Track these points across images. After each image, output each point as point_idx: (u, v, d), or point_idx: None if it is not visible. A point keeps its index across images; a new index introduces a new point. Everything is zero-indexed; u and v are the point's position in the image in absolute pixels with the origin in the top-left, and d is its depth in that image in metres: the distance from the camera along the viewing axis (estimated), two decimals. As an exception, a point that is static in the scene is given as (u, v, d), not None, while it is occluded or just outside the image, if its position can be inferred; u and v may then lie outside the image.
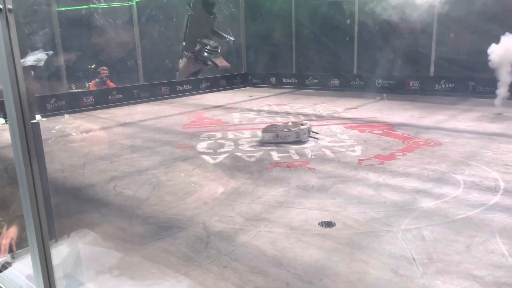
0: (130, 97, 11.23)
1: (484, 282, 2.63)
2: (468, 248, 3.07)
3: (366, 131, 7.00)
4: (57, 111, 9.73)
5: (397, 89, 11.13)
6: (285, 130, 6.41)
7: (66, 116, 9.62)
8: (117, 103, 10.87)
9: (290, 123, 6.82)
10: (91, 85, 10.60)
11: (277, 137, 6.36)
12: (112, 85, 10.81)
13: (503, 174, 4.58)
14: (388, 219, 3.60)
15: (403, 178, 4.61)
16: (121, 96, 11.05)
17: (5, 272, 2.12)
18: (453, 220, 3.52)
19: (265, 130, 6.61)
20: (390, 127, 7.27)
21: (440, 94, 10.39)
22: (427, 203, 3.90)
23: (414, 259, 2.93)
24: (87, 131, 8.26)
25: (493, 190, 4.16)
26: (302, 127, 6.51)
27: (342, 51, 12.05)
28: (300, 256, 3.06)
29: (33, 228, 1.57)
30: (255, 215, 3.82)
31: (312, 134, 6.61)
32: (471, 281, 2.66)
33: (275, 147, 6.15)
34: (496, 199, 3.93)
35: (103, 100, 10.68)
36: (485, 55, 7.81)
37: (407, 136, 6.56)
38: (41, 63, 3.24)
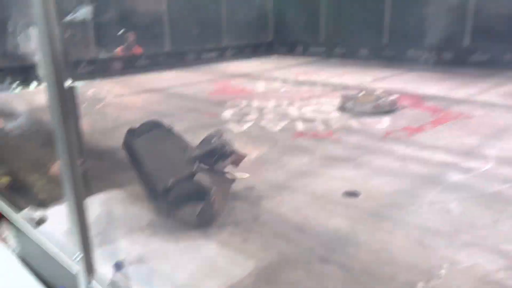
0: (157, 63, 11.29)
1: (510, 257, 2.61)
2: (495, 222, 3.02)
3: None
4: (87, 76, 9.89)
5: (429, 60, 10.74)
6: (382, 99, 6.22)
7: (96, 81, 9.78)
8: (144, 69, 10.95)
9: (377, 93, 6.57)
10: (118, 50, 10.66)
11: (378, 107, 6.12)
12: (139, 50, 10.84)
13: (537, 150, 4.44)
14: (414, 191, 3.57)
15: (431, 151, 4.53)
16: (148, 62, 11.12)
17: (43, 226, 2.23)
18: (481, 194, 3.46)
19: (349, 99, 6.36)
20: (419, 98, 7.08)
21: (475, 65, 9.98)
22: (455, 177, 3.84)
23: (439, 231, 2.92)
24: (117, 96, 8.39)
25: (526, 165, 4.04)
26: (391, 97, 6.37)
27: (373, 19, 11.65)
28: (324, 224, 3.09)
29: (69, 185, 1.64)
30: (279, 182, 3.85)
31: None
32: (496, 255, 2.63)
33: (300, 118, 6.11)
34: (528, 175, 3.83)
35: (131, 66, 10.78)
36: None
37: (437, 108, 6.38)
38: (89, 17, 3.26)
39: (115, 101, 7.93)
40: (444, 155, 4.38)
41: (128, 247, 2.36)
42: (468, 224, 3.01)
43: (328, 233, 2.96)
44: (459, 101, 6.81)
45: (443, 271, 2.48)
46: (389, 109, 6.21)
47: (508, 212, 3.16)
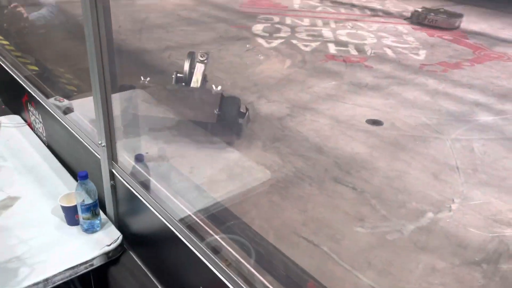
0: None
1: (525, 200, 2.60)
2: (517, 166, 2.97)
3: (435, 35, 6.45)
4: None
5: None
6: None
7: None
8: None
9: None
10: None
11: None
12: None
13: None
14: (439, 126, 3.49)
15: (465, 89, 4.34)
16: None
17: (70, 114, 2.29)
18: (508, 138, 3.36)
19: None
20: (463, 34, 6.64)
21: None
22: (484, 117, 3.71)
23: (457, 168, 2.90)
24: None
25: (562, 115, 3.86)
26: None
27: None
28: (342, 148, 3.09)
29: (97, 78, 1.64)
30: (302, 103, 3.81)
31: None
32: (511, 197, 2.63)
33: (333, 40, 5.86)
34: (562, 124, 3.67)
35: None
36: None
37: (479, 46, 6.00)
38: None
39: (144, 3, 7.71)
40: (477, 95, 4.21)
41: (150, 143, 2.44)
42: (488, 164, 2.96)
43: (345, 156, 2.97)
44: (505, 42, 6.37)
45: (454, 205, 2.50)
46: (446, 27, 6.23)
47: (533, 158, 3.09)
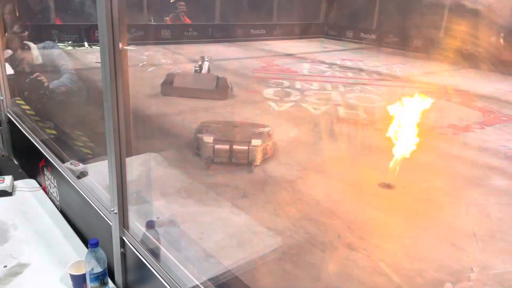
0: (205, 35, 11.34)
1: (548, 270, 2.48)
2: (537, 233, 2.88)
3: (444, 99, 6.57)
4: (135, 41, 10.10)
5: (486, 58, 10.16)
6: None
7: (144, 46, 9.96)
8: (191, 40, 11.04)
9: None
10: (168, 20, 10.77)
11: None
12: (187, 21, 10.90)
13: None
14: (453, 191, 3.44)
15: (477, 152, 4.33)
16: (196, 33, 11.19)
17: (84, 179, 2.32)
18: (525, 203, 3.29)
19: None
20: (471, 97, 6.75)
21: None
22: (499, 181, 3.66)
23: (474, 234, 2.81)
24: (161, 64, 8.53)
25: None
26: None
27: (427, 11, 11.11)
28: (355, 212, 3.05)
29: (112, 142, 1.69)
30: (313, 166, 3.82)
31: None
32: (534, 266, 2.52)
33: (342, 103, 5.99)
34: None
35: (179, 35, 10.89)
36: None
37: (488, 109, 6.07)
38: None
39: (163, 68, 8.08)
40: (490, 158, 4.18)
41: (161, 208, 2.43)
42: (506, 231, 2.88)
43: (358, 221, 2.92)
44: (513, 104, 6.45)
45: (473, 275, 2.40)
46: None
47: (553, 224, 3.00)
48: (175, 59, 8.90)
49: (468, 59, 10.25)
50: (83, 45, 8.34)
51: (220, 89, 6.01)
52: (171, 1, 10.40)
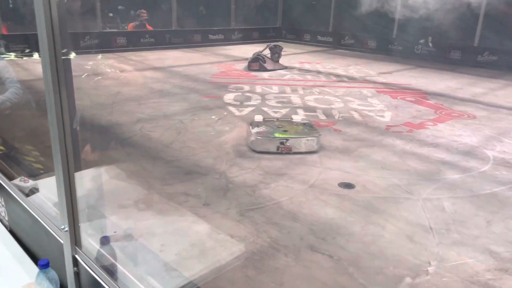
0: (162, 41, 11.18)
1: (500, 258, 2.60)
2: (488, 223, 3.01)
3: (398, 98, 6.80)
4: (90, 49, 9.81)
5: (437, 58, 10.63)
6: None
7: (99, 56, 9.69)
8: (148, 47, 10.86)
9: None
10: (129, 27, 10.55)
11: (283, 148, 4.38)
12: (150, 28, 10.70)
13: (537, 154, 4.41)
14: (409, 186, 3.55)
15: (431, 148, 4.50)
16: (153, 40, 11.02)
17: (33, 196, 2.21)
18: (476, 195, 3.44)
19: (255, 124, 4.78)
20: (423, 95, 7.02)
21: (482, 66, 9.88)
22: (452, 176, 3.82)
23: (431, 228, 2.91)
24: (118, 71, 8.33)
25: (524, 169, 4.02)
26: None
27: (383, 13, 11.50)
28: (316, 213, 3.08)
29: (59, 156, 1.61)
30: (275, 169, 3.84)
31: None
32: (486, 255, 2.63)
33: (302, 106, 6.07)
34: (525, 178, 3.81)
35: (135, 42, 10.68)
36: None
37: (440, 106, 6.33)
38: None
39: (117, 76, 7.88)
40: (443, 154, 4.36)
41: (117, 222, 2.35)
42: (460, 223, 2.99)
43: (320, 223, 2.95)
44: (464, 101, 6.75)
45: (431, 268, 2.47)
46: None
47: (501, 214, 3.15)
48: (123, 68, 8.71)
49: (420, 58, 10.69)
50: (32, 55, 8.00)
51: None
52: (136, 12, 10.17)
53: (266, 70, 8.66)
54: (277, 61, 9.10)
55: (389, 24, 11.49)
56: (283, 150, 4.21)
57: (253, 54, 8.91)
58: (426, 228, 2.92)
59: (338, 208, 3.17)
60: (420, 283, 2.35)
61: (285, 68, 9.05)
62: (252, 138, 4.29)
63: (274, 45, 9.30)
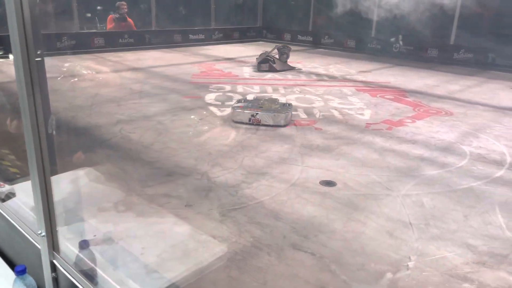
0: (141, 42, 11.06)
1: (477, 251, 2.66)
2: (466, 217, 3.08)
3: (378, 96, 6.89)
4: (68, 50, 9.63)
5: (414, 56, 10.83)
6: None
7: (76, 56, 9.52)
8: (127, 47, 10.73)
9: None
10: (108, 20, 10.23)
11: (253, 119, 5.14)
12: (130, 21, 10.44)
13: (511, 149, 4.53)
14: (389, 183, 3.61)
15: (410, 145, 4.58)
16: (132, 40, 10.89)
17: (9, 201, 2.17)
18: (454, 190, 3.52)
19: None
20: (402, 93, 7.14)
21: (458, 63, 10.11)
22: (430, 171, 3.89)
23: (410, 224, 2.96)
24: (96, 73, 8.20)
25: (499, 164, 4.12)
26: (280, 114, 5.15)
27: (362, 12, 11.64)
28: (298, 212, 3.10)
29: (34, 160, 1.58)
30: (257, 168, 3.84)
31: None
32: (464, 249, 2.69)
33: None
34: (500, 173, 3.91)
35: (114, 43, 10.54)
36: (508, 27, 7.49)
37: (418, 103, 6.45)
38: None
39: (95, 77, 7.76)
40: (421, 150, 4.44)
41: (96, 225, 2.32)
42: (439, 218, 3.06)
43: (302, 221, 2.96)
44: (441, 98, 6.89)
45: (411, 263, 2.52)
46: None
47: (478, 208, 3.23)
48: (101, 69, 8.58)
49: (398, 57, 10.87)
50: (8, 57, 7.81)
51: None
52: (116, 4, 9.92)
53: (276, 71, 8.58)
54: (285, 62, 9.00)
55: (367, 24, 11.64)
56: (254, 121, 5.11)
57: (261, 55, 8.83)
58: (406, 223, 2.97)
59: (320, 206, 3.19)
60: (400, 278, 2.38)
61: (293, 68, 9.01)
62: (231, 110, 5.32)
63: (282, 46, 9.23)
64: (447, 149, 4.50)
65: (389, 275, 2.41)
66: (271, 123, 5.07)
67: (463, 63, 10.06)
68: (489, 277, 2.42)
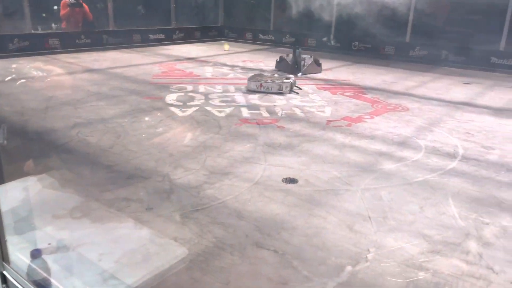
0: (99, 42, 10.76)
1: (432, 241, 2.78)
2: (421, 209, 3.20)
3: (338, 93, 7.03)
4: (20, 52, 9.23)
5: (372, 53, 11.14)
6: (268, 81, 6.94)
7: (30, 58, 9.13)
8: (84, 48, 10.41)
9: (276, 75, 7.65)
10: (61, 4, 9.73)
11: (260, 86, 6.88)
12: (86, 6, 10.02)
13: (463, 142, 4.75)
14: (349, 178, 3.69)
15: (368, 141, 4.70)
16: (89, 41, 10.57)
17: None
18: (410, 183, 3.65)
19: (250, 79, 7.09)
20: (361, 90, 7.32)
21: (414, 60, 10.48)
22: (388, 165, 4.02)
23: (369, 217, 3.04)
24: (51, 75, 7.90)
25: (452, 156, 4.31)
26: (285, 80, 7.06)
27: (320, 12, 11.83)
28: (261, 210, 3.11)
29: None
30: (220, 168, 3.83)
31: (294, 89, 7.07)
32: (420, 239, 2.79)
33: (246, 104, 6.11)
34: (453, 164, 4.09)
35: (70, 43, 10.19)
36: (460, 25, 7.85)
37: (376, 100, 6.64)
38: None
39: (50, 79, 7.48)
40: (380, 145, 4.57)
41: (51, 233, 2.24)
42: (396, 210, 3.16)
43: (265, 219, 2.98)
44: (398, 94, 7.12)
45: (370, 255, 2.59)
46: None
47: (433, 199, 3.36)
48: (57, 71, 8.29)
49: (357, 55, 11.14)
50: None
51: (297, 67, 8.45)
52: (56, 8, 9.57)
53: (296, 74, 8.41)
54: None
55: (326, 23, 11.85)
56: (260, 88, 6.83)
57: (280, 58, 9.10)
58: (365, 217, 3.05)
59: (282, 203, 3.22)
60: (360, 270, 2.45)
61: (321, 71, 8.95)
62: (246, 82, 7.08)
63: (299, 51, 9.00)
64: (403, 143, 4.66)
65: (349, 268, 2.47)
66: (274, 90, 6.73)
67: (419, 59, 10.45)
68: (444, 265, 2.53)
